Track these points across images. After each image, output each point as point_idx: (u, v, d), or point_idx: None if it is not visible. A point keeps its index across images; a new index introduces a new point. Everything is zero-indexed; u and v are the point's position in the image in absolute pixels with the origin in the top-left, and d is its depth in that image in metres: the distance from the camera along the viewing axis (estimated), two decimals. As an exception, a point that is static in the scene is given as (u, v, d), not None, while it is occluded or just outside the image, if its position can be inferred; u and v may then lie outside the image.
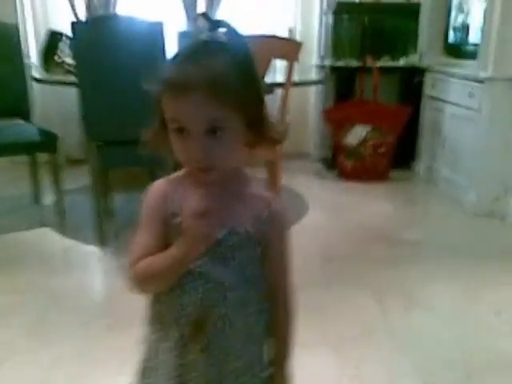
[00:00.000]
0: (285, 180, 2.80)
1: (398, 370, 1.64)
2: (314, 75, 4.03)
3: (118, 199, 3.03)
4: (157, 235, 0.81)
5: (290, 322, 0.91)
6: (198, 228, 0.72)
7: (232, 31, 0.77)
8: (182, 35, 3.68)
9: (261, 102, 0.79)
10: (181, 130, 0.74)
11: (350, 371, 1.61)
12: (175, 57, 0.77)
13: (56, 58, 3.13)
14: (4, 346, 1.74)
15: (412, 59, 3.90)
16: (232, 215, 0.81)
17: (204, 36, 0.76)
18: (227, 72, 0.73)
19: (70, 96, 3.79)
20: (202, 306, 0.81)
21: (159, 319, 0.86)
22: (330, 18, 3.90)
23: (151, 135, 0.81)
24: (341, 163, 3.76)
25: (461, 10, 3.49)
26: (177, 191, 0.81)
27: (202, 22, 0.78)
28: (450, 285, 2.20)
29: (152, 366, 0.88)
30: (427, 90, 3.73)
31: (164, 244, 0.80)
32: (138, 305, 2.12)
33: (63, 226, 2.83)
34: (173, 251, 0.77)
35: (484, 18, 3.00)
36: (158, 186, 0.85)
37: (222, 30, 0.77)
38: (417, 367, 1.65)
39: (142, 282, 0.81)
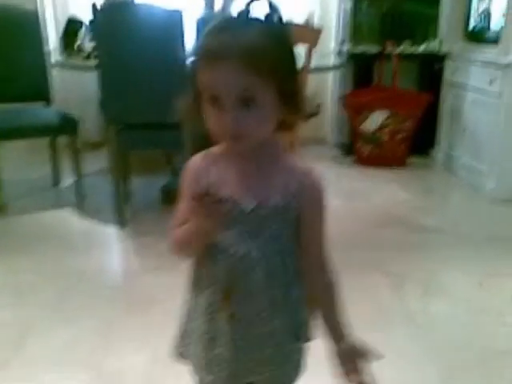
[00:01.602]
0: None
1: (414, 355, 1.64)
2: (332, 61, 4.00)
3: (135, 182, 3.06)
4: (187, 210, 0.83)
5: (334, 300, 0.90)
6: (200, 212, 0.76)
7: (272, 5, 0.77)
8: (201, 22, 3.70)
9: (295, 75, 0.80)
10: (214, 101, 0.75)
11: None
12: (212, 28, 0.77)
13: (76, 44, 3.16)
14: (26, 323, 1.78)
15: (432, 45, 3.84)
16: (261, 187, 0.82)
17: (242, 10, 0.77)
18: (262, 42, 0.73)
19: (88, 81, 3.83)
20: (229, 277, 0.83)
21: (194, 287, 0.90)
22: (350, 3, 3.86)
23: (185, 107, 0.82)
24: (358, 149, 3.74)
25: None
26: (211, 165, 0.84)
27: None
28: (469, 271, 2.19)
29: (189, 328, 0.93)
30: (447, 76, 3.69)
31: None
32: (156, 284, 2.17)
33: (82, 207, 2.88)
34: (190, 225, 0.81)
35: (508, 2, 2.95)
36: (195, 160, 0.88)
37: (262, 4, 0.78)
38: (433, 353, 1.65)
39: (175, 248, 0.87)
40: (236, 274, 0.83)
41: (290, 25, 0.79)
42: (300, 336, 0.91)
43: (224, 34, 0.74)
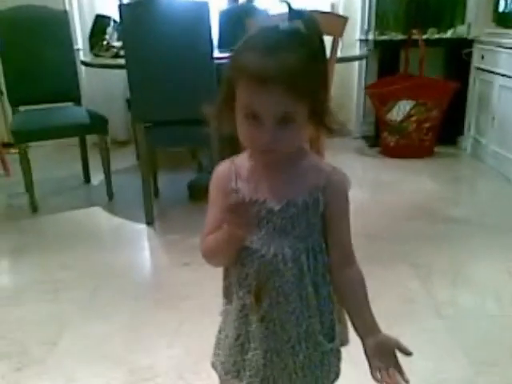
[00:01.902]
0: (327, 157, 2.79)
1: (442, 348, 1.64)
2: (357, 50, 3.96)
3: (162, 179, 3.11)
4: (216, 218, 0.85)
5: (362, 294, 0.89)
6: (233, 222, 0.78)
7: (310, 22, 0.78)
8: (224, 14, 3.70)
9: (327, 93, 0.83)
10: (252, 117, 0.77)
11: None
12: (252, 43, 0.78)
13: (104, 42, 3.21)
14: (59, 319, 1.84)
15: (459, 30, 3.77)
16: (289, 187, 0.84)
17: (284, 26, 0.77)
18: (305, 67, 0.75)
19: (114, 79, 3.91)
20: (258, 279, 0.85)
21: (227, 292, 0.92)
22: (374, -10, 3.81)
23: (215, 111, 0.84)
24: (384, 140, 3.70)
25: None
26: (238, 170, 0.86)
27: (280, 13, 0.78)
28: (497, 262, 2.16)
29: (222, 337, 0.95)
30: (476, 61, 3.61)
31: None
32: (185, 280, 2.20)
33: (112, 205, 2.94)
34: (220, 233, 0.82)
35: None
36: (221, 168, 0.90)
37: (300, 19, 0.78)
38: (461, 345, 1.64)
39: (206, 256, 0.88)
40: (267, 274, 0.84)
41: (317, 21, 0.79)
42: (333, 336, 0.91)
43: (267, 54, 0.74)
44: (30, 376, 1.55)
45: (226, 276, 0.91)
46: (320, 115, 0.81)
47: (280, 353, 0.88)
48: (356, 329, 0.89)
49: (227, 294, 0.92)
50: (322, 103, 0.80)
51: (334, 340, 0.91)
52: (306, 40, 0.77)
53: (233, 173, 0.87)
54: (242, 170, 0.86)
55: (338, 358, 0.93)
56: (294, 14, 0.78)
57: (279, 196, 0.83)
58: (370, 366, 0.86)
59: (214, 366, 0.97)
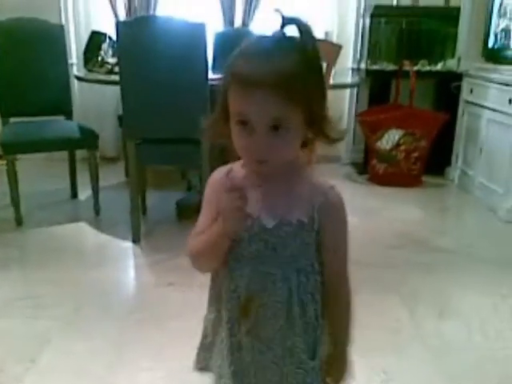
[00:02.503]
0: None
1: (427, 378, 1.63)
2: (349, 78, 4.02)
3: (151, 197, 3.09)
4: (210, 219, 0.84)
5: (350, 309, 0.93)
6: (230, 205, 0.77)
7: (303, 28, 0.77)
8: (219, 36, 3.74)
9: (324, 102, 0.80)
10: (244, 123, 0.76)
11: (379, 377, 1.60)
12: (244, 50, 0.77)
13: (99, 58, 3.21)
14: (39, 336, 1.80)
15: (450, 64, 3.85)
16: (284, 205, 0.83)
17: (275, 33, 0.77)
18: (296, 71, 0.73)
19: (107, 95, 3.92)
20: (247, 293, 0.84)
21: (216, 299, 0.90)
22: (367, 21, 3.88)
23: (211, 123, 0.83)
24: (372, 167, 3.74)
25: (503, 14, 3.42)
26: (233, 180, 0.85)
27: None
28: (483, 294, 2.17)
29: (210, 342, 0.94)
30: (465, 95, 3.68)
31: None
32: (170, 300, 2.17)
33: (98, 221, 2.91)
34: (213, 228, 0.82)
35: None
36: (217, 174, 0.89)
37: (295, 26, 0.77)
38: (446, 376, 1.63)
39: (193, 258, 0.87)
40: (255, 290, 0.83)
41: (318, 43, 0.79)
42: (316, 355, 0.90)
43: (258, 59, 0.74)
44: (6, 395, 1.51)
45: (215, 284, 0.90)
46: (318, 123, 0.79)
47: (265, 368, 0.88)
48: (332, 341, 0.93)
49: (217, 302, 0.90)
50: (319, 110, 0.78)
51: (316, 358, 0.90)
52: (299, 45, 0.76)
53: (226, 181, 0.85)
54: (238, 181, 0.85)
55: (318, 377, 0.93)
56: (287, 21, 0.77)
57: (273, 213, 0.82)
58: (324, 379, 0.93)
59: (207, 368, 0.96)
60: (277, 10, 0.78)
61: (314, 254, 0.86)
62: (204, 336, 0.95)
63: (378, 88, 3.98)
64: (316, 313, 0.88)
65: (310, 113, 0.76)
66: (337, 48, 2.71)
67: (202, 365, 0.96)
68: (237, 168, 0.87)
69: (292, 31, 0.77)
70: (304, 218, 0.82)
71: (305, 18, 0.78)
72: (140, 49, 2.40)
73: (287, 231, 0.82)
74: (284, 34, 0.77)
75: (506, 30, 3.39)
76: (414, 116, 3.55)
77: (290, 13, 0.78)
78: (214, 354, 0.94)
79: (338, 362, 0.95)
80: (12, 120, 3.06)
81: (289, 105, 0.73)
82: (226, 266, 0.85)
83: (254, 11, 3.99)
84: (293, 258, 0.84)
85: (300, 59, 0.74)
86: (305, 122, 0.77)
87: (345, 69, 4.02)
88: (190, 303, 1.94)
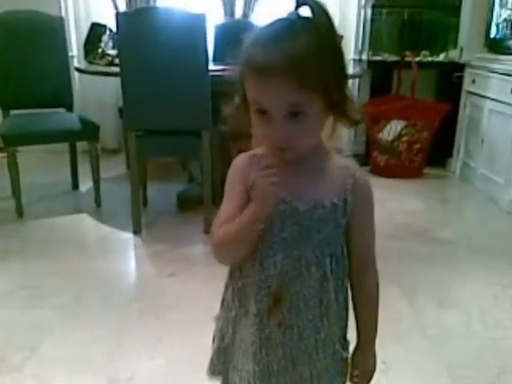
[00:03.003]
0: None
1: (427, 368, 1.63)
2: (350, 69, 4.00)
3: (152, 188, 3.09)
4: (237, 206, 0.80)
5: (377, 301, 0.90)
6: (264, 182, 0.74)
7: (316, 7, 0.73)
8: (219, 27, 3.73)
9: (344, 82, 0.77)
10: (262, 112, 0.74)
11: (378, 367, 1.59)
12: (258, 36, 0.74)
13: (99, 49, 3.21)
14: (42, 325, 1.81)
15: (452, 54, 3.82)
16: (316, 188, 0.80)
17: (289, 14, 0.74)
18: (310, 55, 0.70)
19: (108, 87, 3.91)
20: (279, 281, 0.80)
21: (239, 295, 0.86)
22: (369, 12, 3.86)
23: (233, 110, 0.81)
24: (374, 159, 3.73)
25: (505, 4, 3.39)
26: (257, 169, 0.79)
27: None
28: (484, 284, 2.17)
29: (227, 343, 0.89)
30: (466, 85, 3.66)
31: None
32: (170, 291, 2.18)
33: (99, 212, 2.92)
34: (245, 213, 0.77)
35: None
36: (240, 160, 0.85)
37: (309, 7, 0.74)
38: (446, 366, 1.63)
39: (220, 247, 0.81)
40: (288, 277, 0.80)
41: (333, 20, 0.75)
42: (347, 345, 0.89)
43: (271, 46, 0.71)
44: (5, 383, 1.51)
45: (239, 278, 0.85)
46: (338, 106, 0.76)
47: (296, 361, 0.84)
48: (358, 333, 0.90)
49: (240, 298, 0.86)
50: (338, 92, 0.75)
51: (347, 348, 0.90)
52: (313, 26, 0.73)
53: (255, 165, 0.81)
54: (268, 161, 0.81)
55: (346, 370, 0.92)
56: (301, 1, 0.74)
57: (305, 196, 0.79)
58: (352, 372, 0.91)
59: (220, 373, 0.91)
60: None
61: (343, 238, 0.84)
62: (221, 338, 0.90)
63: (379, 79, 3.96)
64: (346, 301, 0.86)
65: (328, 95, 0.73)
66: (338, 38, 2.69)
67: (220, 369, 0.91)
68: (259, 154, 0.84)
69: (307, 12, 0.74)
70: (336, 200, 0.80)
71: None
72: (140, 40, 2.39)
73: (321, 214, 0.79)
74: (298, 14, 0.74)
75: (507, 20, 3.36)
76: (416, 107, 3.54)
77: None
78: (230, 357, 0.89)
79: (365, 359, 0.91)
80: (12, 112, 3.06)
81: (304, 90, 0.70)
82: (254, 256, 0.81)
83: (254, 2, 3.97)
84: (326, 242, 0.81)
85: (313, 40, 0.71)
86: (324, 105, 0.74)
87: (347, 60, 4.00)
88: (190, 294, 1.95)
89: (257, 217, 0.76)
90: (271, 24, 0.75)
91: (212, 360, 0.93)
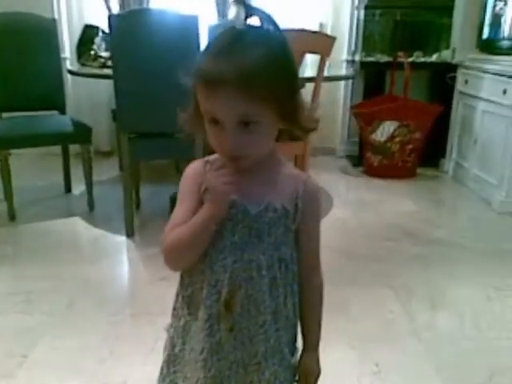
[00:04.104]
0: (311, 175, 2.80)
1: (419, 370, 1.63)
2: (343, 70, 4.00)
3: (144, 191, 3.08)
4: (190, 211, 0.81)
5: (322, 304, 0.92)
6: (218, 181, 0.76)
7: (268, 19, 0.75)
8: (213, 29, 3.72)
9: (295, 93, 0.78)
10: (215, 121, 0.75)
11: (370, 369, 1.61)
12: (209, 46, 0.75)
13: (92, 51, 3.19)
14: (31, 331, 1.79)
15: (444, 55, 3.84)
16: (267, 193, 0.82)
17: (239, 25, 0.75)
18: (260, 67, 0.71)
19: (100, 90, 3.90)
20: (230, 286, 0.81)
21: (189, 302, 0.86)
22: (362, 13, 3.86)
23: (187, 119, 0.82)
24: (367, 159, 3.73)
25: (497, 5, 3.40)
26: (211, 171, 0.82)
27: (236, 11, 0.76)
28: (476, 285, 2.17)
29: (177, 353, 0.90)
30: (459, 86, 3.67)
31: None
32: (163, 295, 2.16)
33: (92, 215, 2.91)
34: (199, 213, 0.79)
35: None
36: (193, 166, 0.87)
37: (257, 17, 0.75)
38: (438, 368, 1.63)
39: (171, 251, 0.82)
40: (239, 281, 0.81)
41: (286, 34, 0.77)
42: (294, 351, 0.90)
43: (221, 57, 0.72)
44: (-2, 390, 1.51)
45: (188, 285, 0.86)
46: (290, 115, 0.77)
47: (246, 367, 0.84)
48: (303, 336, 0.92)
49: (189, 305, 0.86)
50: (290, 102, 0.76)
51: (293, 354, 0.91)
52: (263, 37, 0.74)
53: (204, 172, 0.83)
54: (214, 169, 0.82)
55: (294, 377, 0.93)
56: (250, 11, 0.75)
57: (257, 199, 0.81)
58: (298, 376, 0.93)
59: None
60: (239, 1, 0.76)
61: (292, 244, 0.86)
62: (171, 347, 0.91)
63: (372, 80, 3.97)
64: (294, 307, 0.87)
65: (280, 106, 0.74)
66: (330, 40, 2.69)
67: (168, 380, 0.92)
68: (213, 160, 0.85)
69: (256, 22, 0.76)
70: (288, 204, 0.82)
71: (266, 8, 0.76)
72: (133, 42, 2.38)
73: (271, 217, 0.81)
74: (248, 25, 0.75)
75: (500, 21, 3.37)
76: (409, 108, 3.55)
77: (251, 3, 0.76)
78: (181, 367, 0.90)
79: (310, 362, 0.93)
80: (4, 115, 3.04)
81: (253, 103, 0.71)
82: (204, 261, 0.82)
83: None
84: (276, 246, 0.82)
85: (263, 53, 0.72)
86: (276, 114, 0.75)
87: (339, 61, 4.01)
88: (183, 297, 1.95)
89: (211, 216, 0.77)
90: (221, 35, 0.76)
91: (162, 369, 0.94)
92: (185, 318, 0.88)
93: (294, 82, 0.78)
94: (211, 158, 0.86)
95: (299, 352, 0.93)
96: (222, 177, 0.76)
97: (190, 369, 0.87)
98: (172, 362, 0.91)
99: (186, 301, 0.87)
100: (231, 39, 0.74)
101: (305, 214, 0.84)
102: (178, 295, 0.90)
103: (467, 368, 1.65)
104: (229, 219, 0.80)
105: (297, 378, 0.93)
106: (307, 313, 0.91)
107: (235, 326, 0.82)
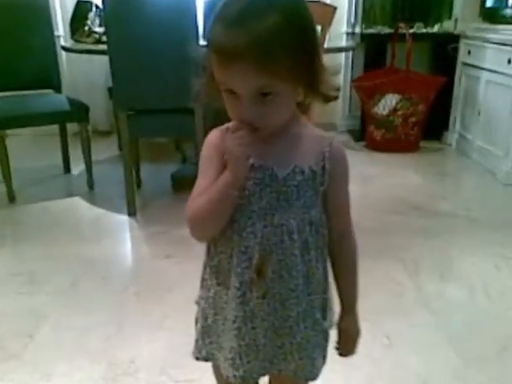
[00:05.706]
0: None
1: (430, 341, 1.61)
2: (343, 42, 3.93)
3: (145, 169, 3.04)
4: (213, 178, 0.78)
5: (356, 266, 0.90)
6: (233, 143, 0.73)
7: None
8: (208, 4, 3.63)
9: (315, 60, 0.73)
10: (231, 92, 0.72)
11: (381, 342, 1.59)
12: (220, 13, 0.70)
13: (85, 27, 3.11)
14: (36, 312, 1.77)
15: (446, 25, 3.76)
16: (294, 156, 0.79)
17: None
18: (276, 35, 0.67)
19: (96, 68, 3.83)
20: (261, 251, 0.78)
21: (218, 272, 0.84)
22: (362, -17, 3.78)
23: (202, 86, 0.78)
24: (370, 133, 3.68)
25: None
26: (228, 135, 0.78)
27: None
28: (484, 255, 2.15)
29: (211, 324, 0.88)
30: (462, 57, 3.60)
31: None
32: (167, 272, 2.15)
33: (93, 195, 2.87)
34: (218, 180, 0.76)
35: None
36: (213, 134, 0.83)
37: None
38: (449, 339, 1.62)
39: (196, 221, 0.79)
40: (270, 246, 0.78)
41: None
42: (326, 316, 0.88)
43: (233, 27, 0.67)
44: (5, 370, 1.48)
45: (215, 254, 0.84)
46: (311, 84, 0.74)
47: (278, 331, 0.83)
48: (340, 300, 0.91)
49: (217, 275, 0.84)
50: (310, 70, 0.72)
51: (329, 319, 0.90)
52: (279, 2, 0.69)
53: (224, 141, 0.78)
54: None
55: (327, 342, 0.92)
56: None
57: (284, 163, 0.78)
58: (338, 338, 0.93)
59: (206, 356, 0.91)
60: None
61: (321, 207, 0.83)
62: (204, 318, 0.89)
63: (373, 52, 3.89)
64: (325, 271, 0.86)
65: (298, 75, 0.71)
66: (331, 9, 2.62)
67: (205, 352, 0.90)
68: (233, 126, 0.81)
69: None
70: (315, 166, 0.80)
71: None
72: (127, 16, 2.31)
73: (300, 180, 0.78)
74: None
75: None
76: (411, 80, 3.48)
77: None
78: (216, 337, 0.88)
79: (348, 325, 0.92)
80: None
81: (269, 74, 0.68)
82: (233, 227, 0.79)
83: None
84: (305, 210, 0.80)
85: (278, 20, 0.67)
86: (294, 84, 0.72)
87: (339, 33, 3.93)
88: (187, 275, 1.90)
89: (229, 181, 0.75)
90: (234, 2, 0.70)
91: (197, 341, 0.92)
92: (214, 288, 0.86)
93: (313, 47, 0.73)
94: (230, 124, 0.81)
95: (335, 316, 0.92)
96: (237, 139, 0.73)
97: (225, 339, 0.86)
98: (206, 333, 0.89)
99: (214, 270, 0.85)
100: (245, 6, 0.68)
101: (332, 175, 0.81)
102: (205, 266, 0.87)
103: (480, 338, 1.63)
104: (256, 184, 0.77)
105: (340, 339, 0.93)
106: (342, 276, 0.90)
107: (268, 291, 0.80)
